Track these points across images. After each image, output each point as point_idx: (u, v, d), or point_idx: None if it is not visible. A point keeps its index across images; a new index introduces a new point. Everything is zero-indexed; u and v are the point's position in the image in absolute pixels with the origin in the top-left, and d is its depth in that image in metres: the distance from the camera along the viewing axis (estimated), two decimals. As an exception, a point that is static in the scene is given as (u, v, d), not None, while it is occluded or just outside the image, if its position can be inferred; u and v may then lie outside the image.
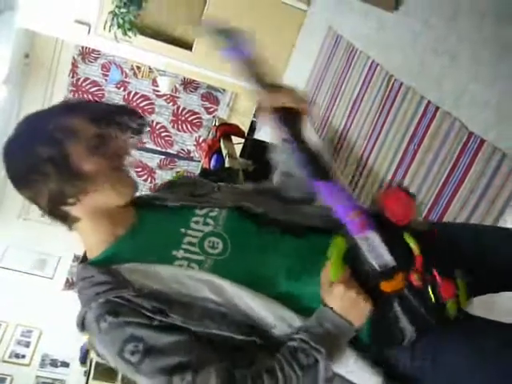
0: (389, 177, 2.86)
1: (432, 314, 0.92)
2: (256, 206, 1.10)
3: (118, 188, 1.03)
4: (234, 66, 1.02)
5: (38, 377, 5.89)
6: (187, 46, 5.37)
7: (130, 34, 4.96)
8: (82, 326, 1.00)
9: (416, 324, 0.93)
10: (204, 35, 1.01)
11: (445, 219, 2.28)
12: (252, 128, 6.44)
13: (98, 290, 0.96)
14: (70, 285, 6.86)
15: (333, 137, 3.75)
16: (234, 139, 4.19)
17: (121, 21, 4.89)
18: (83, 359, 5.95)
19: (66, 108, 1.06)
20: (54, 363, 6.04)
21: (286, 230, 1.07)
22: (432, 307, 0.92)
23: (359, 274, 0.95)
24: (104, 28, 4.96)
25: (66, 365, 6.06)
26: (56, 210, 1.02)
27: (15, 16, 4.99)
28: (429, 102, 2.61)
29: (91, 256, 1.06)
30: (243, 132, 4.51)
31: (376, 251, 0.92)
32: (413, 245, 0.94)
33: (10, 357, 5.96)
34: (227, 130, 4.20)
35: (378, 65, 3.27)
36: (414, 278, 0.92)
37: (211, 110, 6.56)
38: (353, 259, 0.95)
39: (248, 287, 0.96)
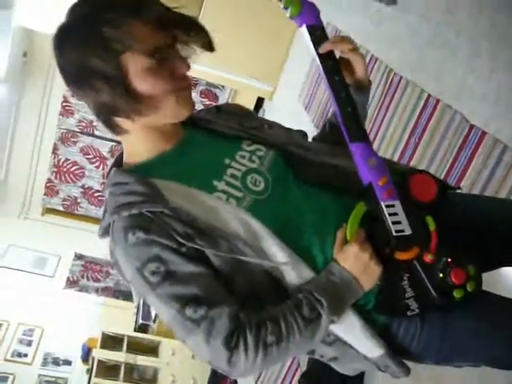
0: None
1: (438, 291, 0.95)
2: (305, 150, 1.07)
3: (175, 110, 0.96)
4: (302, 33, 0.98)
5: (40, 375, 5.90)
6: (185, 42, 5.34)
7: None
8: (105, 232, 0.97)
9: (421, 300, 0.95)
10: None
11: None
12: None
13: (132, 199, 0.91)
14: (70, 283, 6.87)
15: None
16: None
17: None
18: (85, 357, 5.96)
19: (129, 5, 0.88)
20: (56, 362, 6.04)
21: (324, 185, 1.04)
22: (439, 285, 0.94)
23: (375, 241, 0.96)
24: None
25: (68, 363, 6.06)
26: (105, 118, 0.95)
27: (13, 14, 4.98)
28: (429, 95, 2.60)
29: (131, 162, 1.01)
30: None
31: (396, 219, 0.94)
32: (431, 225, 0.96)
33: (12, 356, 5.97)
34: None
35: (377, 59, 3.26)
36: (428, 257, 0.94)
37: (210, 106, 6.54)
38: (371, 224, 0.96)
39: (278, 236, 0.95)
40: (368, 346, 0.98)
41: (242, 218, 0.94)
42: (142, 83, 0.89)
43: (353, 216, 0.96)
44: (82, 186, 7.02)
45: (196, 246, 0.89)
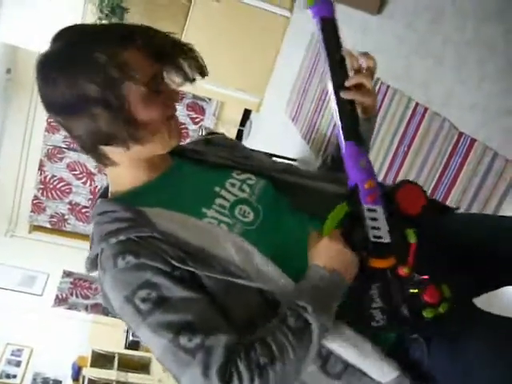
0: (379, 180, 2.84)
1: (407, 307, 0.90)
2: (299, 177, 1.07)
3: (167, 139, 0.95)
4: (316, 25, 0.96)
5: (29, 396, 5.79)
6: (171, 56, 5.33)
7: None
8: (93, 265, 0.93)
9: (387, 312, 0.91)
10: None
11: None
12: (239, 136, 6.42)
13: (119, 225, 0.89)
14: (59, 301, 6.77)
15: (321, 142, 3.73)
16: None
17: (103, 33, 4.84)
18: (76, 376, 5.85)
19: (121, 34, 0.89)
20: (45, 382, 5.94)
21: (319, 212, 1.01)
22: (409, 301, 0.90)
23: (353, 243, 0.93)
24: (86, 40, 4.91)
25: (58, 383, 5.96)
26: (95, 149, 0.92)
27: (-4, 31, 4.95)
28: (417, 103, 2.61)
29: (116, 192, 1.00)
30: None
31: (376, 225, 0.91)
32: (411, 238, 0.92)
33: (0, 377, 5.86)
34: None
35: (363, 68, 3.27)
36: (403, 270, 0.90)
37: (197, 119, 6.53)
38: (350, 227, 0.93)
39: (272, 261, 0.92)
40: (381, 369, 0.91)
41: (235, 242, 0.91)
42: (140, 112, 0.88)
43: (331, 215, 0.93)
44: (70, 203, 6.95)
45: (189, 269, 0.86)
